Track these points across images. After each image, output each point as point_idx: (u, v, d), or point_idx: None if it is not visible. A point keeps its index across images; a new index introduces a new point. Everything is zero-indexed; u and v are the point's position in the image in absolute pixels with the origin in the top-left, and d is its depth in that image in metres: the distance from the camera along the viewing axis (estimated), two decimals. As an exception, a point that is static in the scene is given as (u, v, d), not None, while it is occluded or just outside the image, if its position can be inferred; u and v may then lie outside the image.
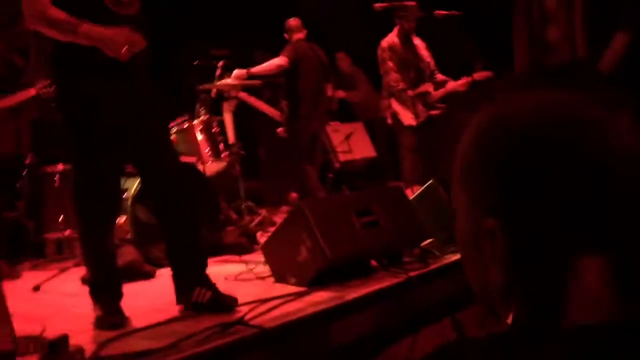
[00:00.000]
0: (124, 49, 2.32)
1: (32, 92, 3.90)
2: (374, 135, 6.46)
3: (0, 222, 3.76)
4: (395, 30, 4.66)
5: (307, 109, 4.92)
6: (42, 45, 4.74)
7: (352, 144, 6.15)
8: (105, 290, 2.57)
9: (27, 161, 4.32)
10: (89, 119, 2.43)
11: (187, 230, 2.67)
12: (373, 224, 3.09)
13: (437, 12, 4.53)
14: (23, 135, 5.22)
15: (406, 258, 3.18)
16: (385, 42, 4.68)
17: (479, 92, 4.68)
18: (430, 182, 3.54)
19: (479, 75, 4.59)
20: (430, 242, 3.25)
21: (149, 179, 2.69)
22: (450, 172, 0.66)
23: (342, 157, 6.05)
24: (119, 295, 2.59)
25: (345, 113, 6.68)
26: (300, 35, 5.01)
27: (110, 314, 2.49)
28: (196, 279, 2.60)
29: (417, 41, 4.72)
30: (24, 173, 4.22)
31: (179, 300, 2.64)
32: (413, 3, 4.50)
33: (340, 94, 6.33)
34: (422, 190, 3.58)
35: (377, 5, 4.38)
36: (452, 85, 4.64)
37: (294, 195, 5.44)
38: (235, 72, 4.53)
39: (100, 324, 2.46)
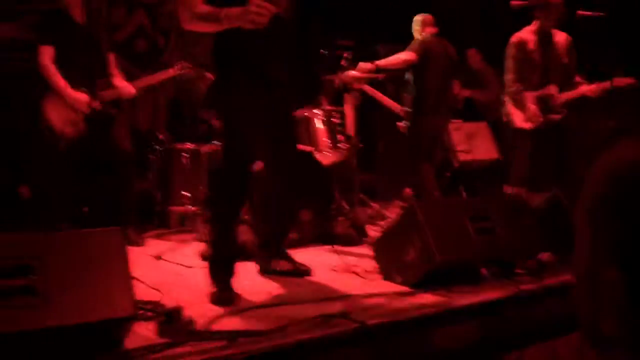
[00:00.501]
0: (258, 17, 2.35)
1: (171, 72, 4.14)
2: (499, 136, 6.22)
3: (132, 191, 4.04)
4: (532, 27, 4.40)
5: (430, 105, 4.83)
6: (182, 29, 5.07)
7: (474, 143, 5.96)
8: (222, 268, 2.74)
9: (160, 137, 4.61)
10: (239, 110, 2.66)
11: (286, 211, 3.05)
12: (487, 231, 2.99)
13: (579, 12, 4.24)
14: (159, 113, 5.60)
15: (519, 269, 3.04)
16: (514, 38, 4.44)
17: (618, 99, 4.35)
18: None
19: (619, 82, 4.23)
20: (548, 256, 3.09)
21: (269, 161, 2.82)
22: (576, 193, 0.62)
23: (462, 157, 5.89)
24: (233, 273, 2.74)
25: (471, 111, 6.47)
26: (430, 31, 4.91)
27: (223, 291, 2.63)
28: (281, 252, 3.07)
29: (561, 38, 4.41)
30: (157, 147, 4.51)
31: (261, 268, 3.04)
32: (557, 0, 4.23)
33: (466, 92, 6.15)
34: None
35: (514, 2, 4.18)
36: (583, 89, 4.31)
37: (408, 191, 5.37)
38: (361, 64, 4.53)
39: (213, 298, 2.61)
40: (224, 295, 2.62)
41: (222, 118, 2.77)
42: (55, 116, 3.78)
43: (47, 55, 3.74)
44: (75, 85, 3.73)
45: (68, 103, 3.73)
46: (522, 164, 4.53)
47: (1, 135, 4.38)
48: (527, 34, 4.39)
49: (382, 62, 4.65)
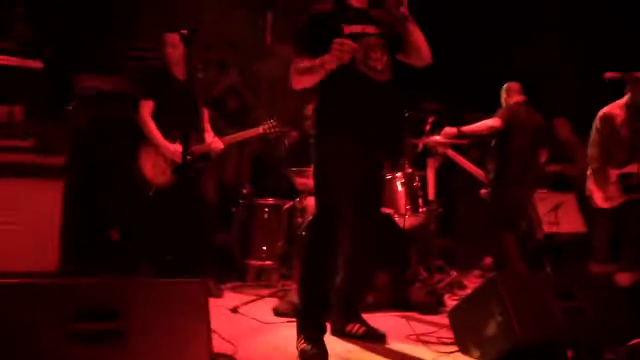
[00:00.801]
0: (341, 54, 2.54)
1: (259, 130, 4.29)
2: (588, 210, 5.95)
3: (214, 242, 4.16)
4: (622, 101, 4.28)
5: (515, 173, 4.73)
6: (272, 86, 5.29)
7: (560, 215, 5.73)
8: (313, 324, 2.73)
9: (244, 191, 4.75)
10: (335, 167, 2.73)
11: (365, 273, 3.03)
12: (574, 310, 2.83)
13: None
14: (243, 167, 5.79)
15: (609, 355, 2.84)
16: (602, 112, 4.34)
17: None
18: None
19: None
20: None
21: (353, 219, 2.84)
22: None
23: (547, 229, 5.67)
24: (324, 329, 2.74)
25: (559, 181, 6.26)
26: (518, 99, 4.87)
27: (314, 348, 2.61)
28: (356, 314, 3.03)
29: None
30: (240, 201, 4.63)
31: (333, 330, 2.98)
32: None
33: (555, 167, 5.99)
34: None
35: (608, 74, 4.08)
36: None
37: (488, 260, 5.22)
38: (446, 129, 4.53)
39: (304, 356, 2.59)
40: (314, 352, 2.59)
41: (318, 173, 2.80)
42: (148, 165, 4.00)
43: (146, 108, 4.01)
44: (169, 137, 3.95)
45: (161, 153, 3.94)
46: (603, 242, 4.51)
47: (97, 179, 4.66)
48: (615, 108, 4.28)
49: (466, 129, 4.64)
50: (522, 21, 6.64)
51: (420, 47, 2.81)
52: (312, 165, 2.82)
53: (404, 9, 2.69)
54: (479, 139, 5.24)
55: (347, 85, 2.70)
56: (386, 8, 2.75)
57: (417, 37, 2.79)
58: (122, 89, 4.91)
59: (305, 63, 2.67)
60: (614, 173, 4.25)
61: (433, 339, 3.08)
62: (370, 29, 2.76)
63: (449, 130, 4.54)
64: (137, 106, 4.07)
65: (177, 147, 3.90)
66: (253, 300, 3.78)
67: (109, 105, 4.84)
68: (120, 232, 4.54)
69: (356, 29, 2.73)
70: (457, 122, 4.90)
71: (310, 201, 4.27)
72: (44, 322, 1.79)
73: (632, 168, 4.25)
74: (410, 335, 3.13)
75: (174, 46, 3.98)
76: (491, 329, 2.75)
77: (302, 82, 2.74)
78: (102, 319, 1.86)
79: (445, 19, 6.62)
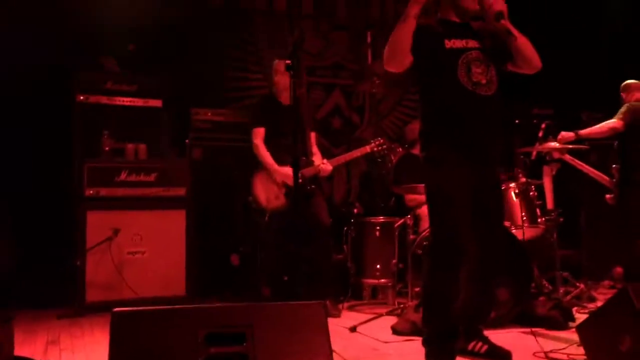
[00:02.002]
0: None
1: (366, 149, 4.33)
2: None
3: (331, 262, 4.23)
4: None
5: (641, 175, 4.42)
6: (376, 105, 5.33)
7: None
8: (443, 350, 2.67)
9: (355, 210, 4.79)
10: (446, 186, 2.67)
11: (488, 291, 2.93)
12: None
13: None
14: (352, 186, 5.85)
15: None
16: None
17: None
18: None
19: None
20: None
21: (477, 238, 2.77)
22: None
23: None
24: (454, 354, 2.69)
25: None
26: (639, 97, 4.55)
27: None
28: (477, 332, 2.94)
29: None
30: (352, 220, 4.68)
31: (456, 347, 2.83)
32: None
33: None
34: None
35: None
36: None
37: (619, 270, 4.88)
38: (562, 134, 4.31)
39: None
40: None
41: (432, 194, 2.74)
42: (262, 191, 4.17)
43: (259, 136, 4.20)
44: (281, 162, 4.09)
45: (274, 178, 4.09)
46: None
47: (217, 207, 4.91)
48: None
49: (585, 132, 4.39)
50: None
51: (527, 55, 2.72)
52: (425, 187, 2.78)
53: (505, 22, 2.60)
54: (600, 141, 4.95)
55: (452, 103, 2.66)
56: (487, 21, 2.69)
57: (523, 45, 2.70)
58: (234, 119, 5.15)
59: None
60: None
61: (563, 356, 2.93)
62: (472, 43, 2.71)
63: (566, 134, 4.31)
64: (249, 134, 4.27)
65: (288, 171, 4.03)
66: (371, 319, 3.79)
67: (224, 135, 5.09)
68: (240, 257, 4.73)
69: (458, 44, 2.70)
70: (574, 126, 4.66)
71: (422, 216, 4.23)
72: (180, 346, 1.91)
73: None
74: (537, 352, 2.99)
75: (281, 73, 4.13)
76: (626, 343, 2.57)
77: (392, 48, 2.61)
78: (232, 343, 1.95)
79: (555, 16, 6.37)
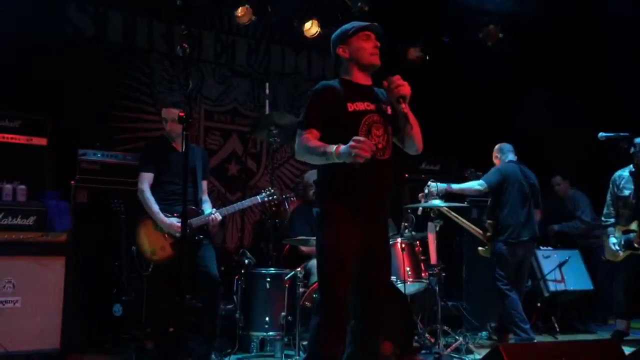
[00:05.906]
0: (361, 152, 2.49)
1: (257, 199, 4.23)
2: (594, 265, 5.89)
3: (218, 314, 4.10)
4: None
5: (511, 231, 4.73)
6: (273, 153, 5.35)
7: (565, 273, 5.68)
8: None
9: (246, 261, 4.72)
10: (337, 245, 2.69)
11: (373, 347, 2.83)
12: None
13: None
14: (246, 234, 5.79)
15: None
16: (616, 173, 4.86)
17: None
18: None
19: None
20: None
21: (362, 293, 2.79)
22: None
23: (553, 287, 5.62)
24: None
25: (563, 239, 6.24)
26: (511, 158, 4.96)
27: None
28: None
29: None
30: (242, 270, 4.60)
31: None
32: None
33: (554, 227, 6.08)
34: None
35: (602, 134, 4.17)
36: None
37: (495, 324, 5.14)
38: (437, 186, 4.52)
39: None
40: None
41: (321, 251, 2.76)
42: (146, 241, 3.97)
43: (145, 181, 4.01)
44: (169, 210, 3.95)
45: (160, 228, 3.93)
46: (620, 295, 5.01)
47: (101, 253, 4.66)
48: (625, 169, 4.68)
49: (455, 187, 4.70)
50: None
51: (415, 141, 2.82)
52: (316, 242, 2.79)
53: (405, 107, 2.67)
54: (478, 197, 5.29)
55: (349, 164, 2.62)
56: (389, 97, 2.75)
57: (414, 132, 2.80)
58: (125, 161, 4.99)
59: (313, 142, 2.69)
60: (618, 231, 4.72)
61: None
62: (373, 107, 2.78)
63: (440, 187, 4.54)
64: (137, 179, 4.09)
65: (173, 222, 3.90)
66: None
67: (113, 178, 4.91)
68: (122, 307, 4.51)
69: (360, 106, 2.76)
70: (457, 180, 4.93)
71: (314, 270, 4.25)
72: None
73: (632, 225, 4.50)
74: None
75: (174, 120, 4.02)
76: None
77: (305, 158, 2.75)
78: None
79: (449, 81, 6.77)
